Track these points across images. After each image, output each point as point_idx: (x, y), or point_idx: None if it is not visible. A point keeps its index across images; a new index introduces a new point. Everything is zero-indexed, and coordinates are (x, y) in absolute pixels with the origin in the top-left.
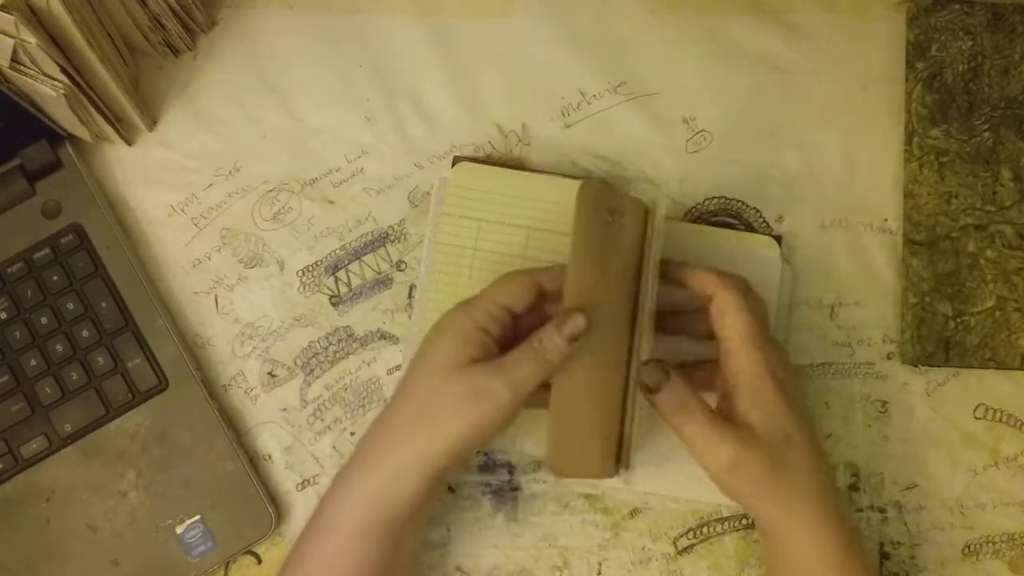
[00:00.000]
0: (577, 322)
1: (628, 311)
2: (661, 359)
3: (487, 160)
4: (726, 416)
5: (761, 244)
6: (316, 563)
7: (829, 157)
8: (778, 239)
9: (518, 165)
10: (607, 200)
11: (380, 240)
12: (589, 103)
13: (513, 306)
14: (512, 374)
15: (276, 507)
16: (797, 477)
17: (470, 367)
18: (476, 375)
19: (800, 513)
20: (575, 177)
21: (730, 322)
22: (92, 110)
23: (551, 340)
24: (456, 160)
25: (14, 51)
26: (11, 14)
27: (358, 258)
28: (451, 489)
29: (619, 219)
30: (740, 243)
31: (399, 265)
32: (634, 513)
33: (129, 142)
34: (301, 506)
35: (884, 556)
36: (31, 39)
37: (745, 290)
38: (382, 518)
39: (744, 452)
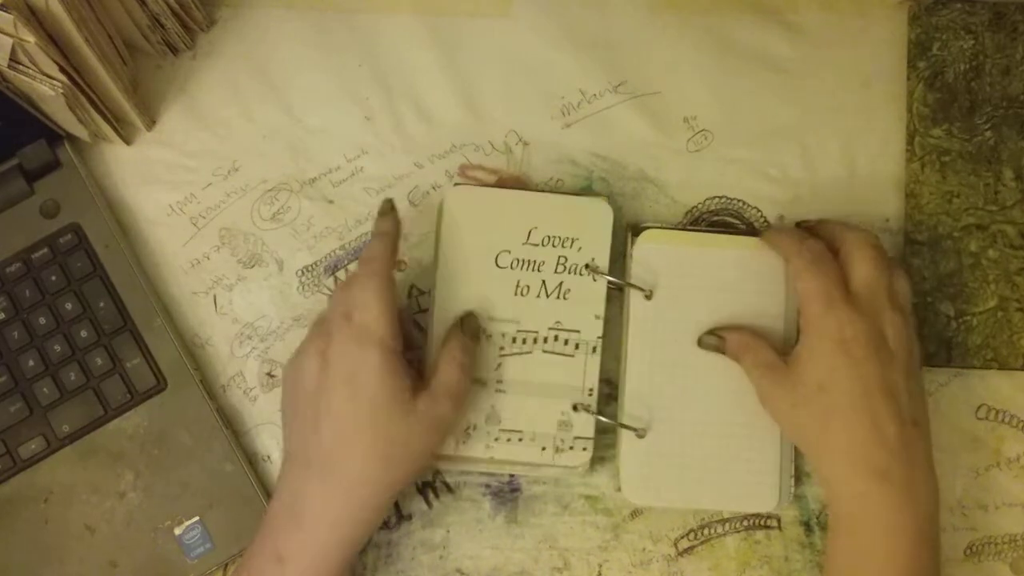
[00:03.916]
0: (473, 321)
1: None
2: (714, 330)
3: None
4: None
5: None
6: None
7: (830, 157)
8: None
9: (517, 182)
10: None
11: None
12: (589, 102)
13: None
14: (449, 391)
15: None
16: (825, 424)
17: (414, 400)
18: (425, 406)
19: (821, 458)
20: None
21: (800, 288)
22: (91, 109)
23: (462, 345)
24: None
25: (13, 50)
26: (10, 13)
27: (358, 258)
28: (451, 490)
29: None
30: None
31: (399, 265)
32: (635, 514)
33: (128, 141)
34: None
35: None
36: (30, 38)
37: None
38: (355, 550)
39: (774, 387)
